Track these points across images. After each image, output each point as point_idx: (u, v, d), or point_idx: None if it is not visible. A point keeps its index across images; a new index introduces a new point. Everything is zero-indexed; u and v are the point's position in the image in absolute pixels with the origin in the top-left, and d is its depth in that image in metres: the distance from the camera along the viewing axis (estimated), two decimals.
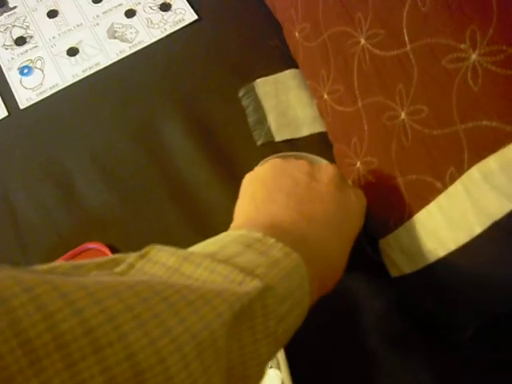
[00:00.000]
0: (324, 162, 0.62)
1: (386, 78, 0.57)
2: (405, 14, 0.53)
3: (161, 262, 0.38)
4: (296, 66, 0.80)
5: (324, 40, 0.67)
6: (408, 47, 0.53)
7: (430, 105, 0.52)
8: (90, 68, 0.85)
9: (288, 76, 0.80)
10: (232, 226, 0.51)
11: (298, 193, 0.52)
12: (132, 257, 0.38)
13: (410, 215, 0.57)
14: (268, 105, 0.78)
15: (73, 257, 0.70)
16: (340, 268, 0.51)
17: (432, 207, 0.54)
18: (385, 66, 0.57)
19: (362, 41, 0.60)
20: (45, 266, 0.34)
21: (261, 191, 0.54)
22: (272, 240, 0.44)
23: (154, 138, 0.78)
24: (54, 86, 0.84)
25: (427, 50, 0.51)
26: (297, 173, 0.54)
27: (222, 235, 0.46)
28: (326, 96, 0.70)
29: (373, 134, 0.62)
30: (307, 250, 0.46)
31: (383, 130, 0.59)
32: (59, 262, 0.36)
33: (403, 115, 0.56)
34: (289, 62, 0.80)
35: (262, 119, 0.77)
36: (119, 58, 0.85)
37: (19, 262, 0.71)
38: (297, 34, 0.74)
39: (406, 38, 0.53)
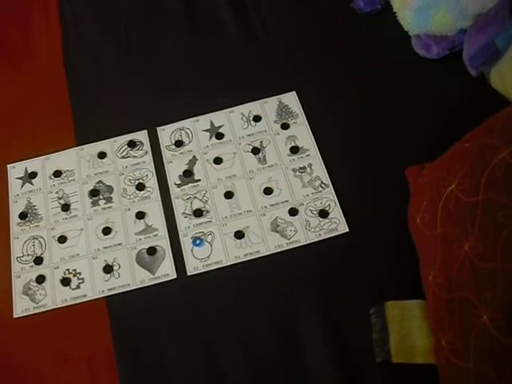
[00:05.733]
0: None
1: None
2: None
3: None
4: (425, 298, 0.91)
5: (452, 299, 0.78)
6: None
7: None
8: (250, 254, 1.01)
9: (416, 306, 0.91)
10: None
11: None
12: None
13: None
14: (392, 328, 0.89)
15: None
16: None
17: None
18: None
19: (485, 317, 0.71)
20: None
21: None
22: None
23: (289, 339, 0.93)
24: (218, 262, 1.00)
25: None
26: None
27: None
28: (443, 342, 0.81)
29: None
30: None
31: None
32: None
33: None
34: (419, 292, 0.92)
35: (385, 340, 0.89)
36: (276, 250, 1.01)
37: None
38: (430, 277, 0.86)
39: None
